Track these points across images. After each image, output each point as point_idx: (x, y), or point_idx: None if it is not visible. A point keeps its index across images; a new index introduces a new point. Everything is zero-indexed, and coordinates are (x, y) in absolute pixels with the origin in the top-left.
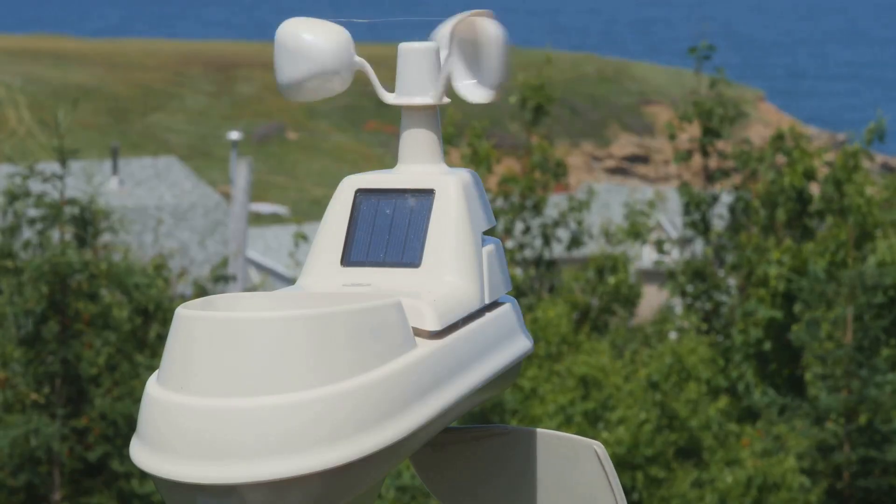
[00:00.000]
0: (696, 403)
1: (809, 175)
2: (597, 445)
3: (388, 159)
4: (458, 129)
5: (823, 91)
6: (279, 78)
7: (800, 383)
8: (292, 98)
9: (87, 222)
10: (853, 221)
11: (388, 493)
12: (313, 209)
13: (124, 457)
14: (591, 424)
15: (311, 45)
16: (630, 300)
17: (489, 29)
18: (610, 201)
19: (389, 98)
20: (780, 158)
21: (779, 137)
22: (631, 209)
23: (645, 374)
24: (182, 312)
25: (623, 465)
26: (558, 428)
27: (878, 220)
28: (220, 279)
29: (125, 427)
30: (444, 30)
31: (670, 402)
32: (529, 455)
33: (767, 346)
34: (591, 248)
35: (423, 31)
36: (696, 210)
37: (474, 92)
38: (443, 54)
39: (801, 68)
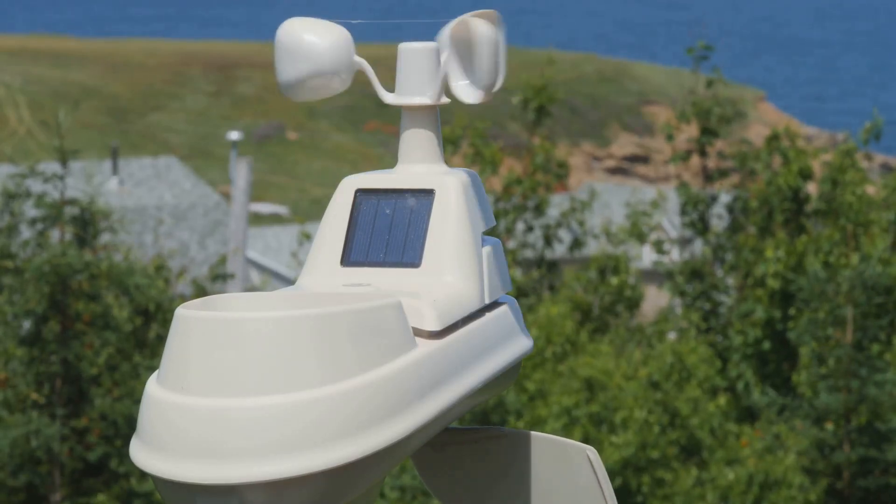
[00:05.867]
0: (697, 402)
1: (805, 175)
2: (589, 451)
3: (388, 159)
4: (465, 131)
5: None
6: (279, 77)
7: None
8: (292, 97)
9: (87, 222)
10: (844, 220)
11: (389, 494)
12: (313, 209)
13: (124, 457)
14: (596, 427)
15: (311, 44)
16: (634, 302)
17: (482, 29)
18: (610, 201)
19: (389, 98)
20: (777, 158)
21: (775, 137)
22: (633, 210)
23: (646, 374)
24: (182, 312)
25: (628, 467)
26: (563, 429)
27: (866, 219)
28: (219, 277)
29: (125, 427)
30: (445, 30)
31: (671, 401)
32: (526, 458)
33: (766, 345)
34: (592, 247)
35: (423, 32)
36: (695, 210)
37: (467, 93)
38: (443, 55)
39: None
